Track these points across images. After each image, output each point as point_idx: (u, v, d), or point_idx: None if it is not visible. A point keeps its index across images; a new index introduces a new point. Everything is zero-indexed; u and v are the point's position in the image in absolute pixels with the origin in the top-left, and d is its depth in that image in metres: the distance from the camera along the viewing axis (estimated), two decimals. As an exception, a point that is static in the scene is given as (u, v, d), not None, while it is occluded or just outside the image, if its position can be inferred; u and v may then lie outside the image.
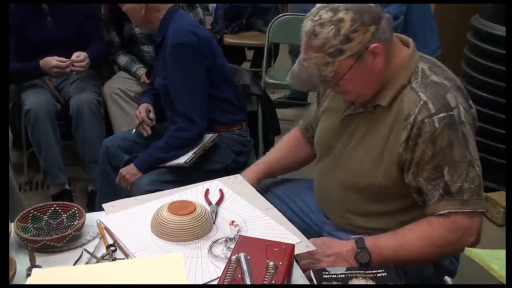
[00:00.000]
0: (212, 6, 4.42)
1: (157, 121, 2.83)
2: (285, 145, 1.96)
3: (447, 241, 1.46)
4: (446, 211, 1.45)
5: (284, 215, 1.64)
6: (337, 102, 1.69)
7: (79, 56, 2.86)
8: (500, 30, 2.99)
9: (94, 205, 2.84)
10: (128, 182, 2.28)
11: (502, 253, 1.37)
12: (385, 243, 1.50)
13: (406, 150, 1.47)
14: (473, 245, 1.48)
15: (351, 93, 1.53)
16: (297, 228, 1.57)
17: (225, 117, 2.42)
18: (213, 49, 2.37)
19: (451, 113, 1.44)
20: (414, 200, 1.54)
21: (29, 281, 1.19)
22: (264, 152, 2.73)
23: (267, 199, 1.71)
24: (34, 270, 1.23)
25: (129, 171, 2.30)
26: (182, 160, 2.26)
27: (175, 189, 1.76)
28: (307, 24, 1.45)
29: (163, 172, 2.29)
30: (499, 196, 2.97)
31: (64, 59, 2.85)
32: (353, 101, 1.60)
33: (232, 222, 1.56)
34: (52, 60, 2.84)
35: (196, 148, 2.29)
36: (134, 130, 2.52)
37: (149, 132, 2.49)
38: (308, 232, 1.67)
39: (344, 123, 1.63)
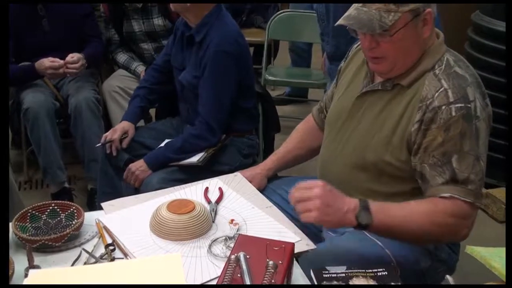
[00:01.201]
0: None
1: (163, 117, 2.80)
2: (295, 136, 1.98)
3: (447, 223, 1.45)
4: (449, 194, 1.45)
5: (283, 211, 1.64)
6: (354, 81, 1.70)
7: (73, 57, 2.85)
8: (500, 26, 2.97)
9: (94, 204, 2.83)
10: (138, 179, 2.26)
11: (504, 251, 1.36)
12: (390, 209, 1.45)
13: (417, 131, 1.49)
14: (464, 237, 1.49)
15: (390, 58, 1.53)
16: (297, 225, 1.57)
17: (239, 126, 2.42)
18: (249, 59, 2.39)
19: (469, 105, 1.46)
20: (415, 185, 1.55)
21: (26, 282, 1.18)
22: (264, 149, 2.73)
23: (263, 194, 1.72)
24: (30, 271, 1.22)
25: (139, 167, 2.27)
26: (195, 159, 2.26)
27: (174, 187, 1.75)
28: None
29: (174, 170, 2.28)
30: (500, 193, 2.97)
31: (58, 59, 2.82)
32: (372, 79, 1.62)
33: (232, 220, 1.56)
34: (46, 61, 2.82)
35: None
36: (100, 145, 2.43)
37: (115, 153, 2.41)
38: (309, 228, 1.66)
39: (359, 102, 1.65)
